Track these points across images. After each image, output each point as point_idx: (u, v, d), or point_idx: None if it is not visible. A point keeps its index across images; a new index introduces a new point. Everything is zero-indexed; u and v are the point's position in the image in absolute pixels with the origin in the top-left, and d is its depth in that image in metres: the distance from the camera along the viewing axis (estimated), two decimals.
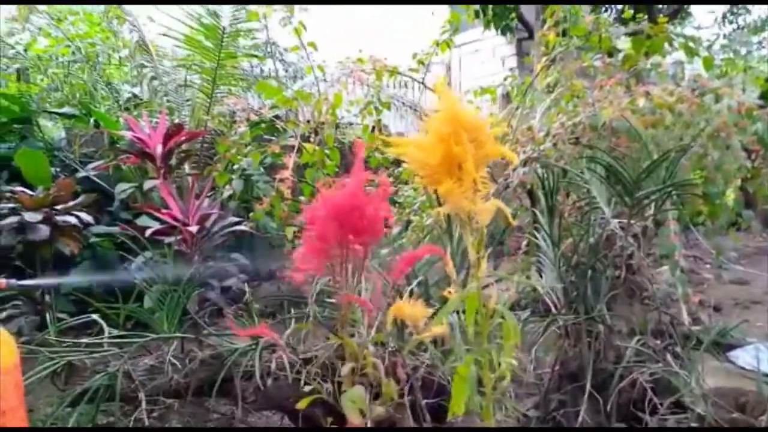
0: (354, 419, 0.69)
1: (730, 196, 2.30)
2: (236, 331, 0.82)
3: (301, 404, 0.78)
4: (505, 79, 2.71)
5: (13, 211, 2.24)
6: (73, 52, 3.83)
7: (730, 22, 7.44)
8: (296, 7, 2.31)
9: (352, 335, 0.92)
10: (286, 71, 4.14)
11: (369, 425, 0.76)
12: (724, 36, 7.57)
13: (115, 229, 2.78)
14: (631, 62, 2.29)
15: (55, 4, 3.90)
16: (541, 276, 1.91)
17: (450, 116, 0.63)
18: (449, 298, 0.69)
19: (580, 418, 1.61)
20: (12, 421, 0.72)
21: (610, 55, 2.38)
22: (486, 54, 3.86)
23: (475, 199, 0.65)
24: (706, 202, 2.22)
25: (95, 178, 3.20)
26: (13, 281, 0.83)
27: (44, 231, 2.22)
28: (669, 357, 1.62)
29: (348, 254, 0.71)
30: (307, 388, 0.78)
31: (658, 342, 1.77)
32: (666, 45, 2.41)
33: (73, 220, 2.30)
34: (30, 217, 2.18)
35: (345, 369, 0.71)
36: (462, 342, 0.75)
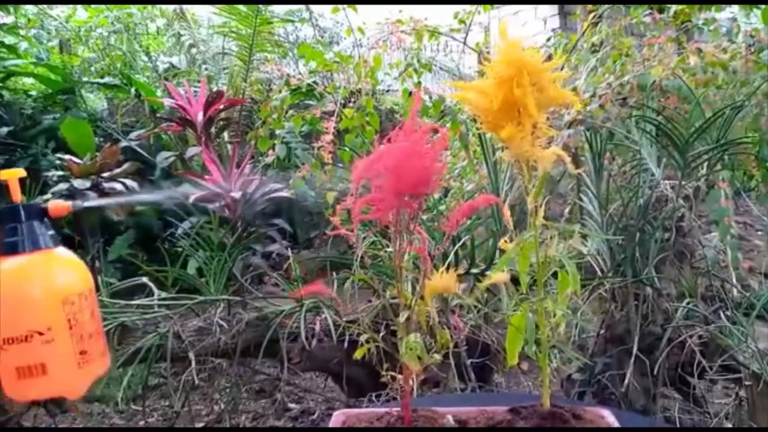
0: (412, 366, 0.69)
1: None
2: (298, 291, 0.83)
3: (358, 353, 0.78)
4: (548, 39, 2.63)
5: (63, 179, 2.31)
6: (112, 23, 3.87)
7: None
8: None
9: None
10: (322, 37, 4.11)
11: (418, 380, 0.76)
12: None
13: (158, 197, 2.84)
14: (684, 17, 2.19)
15: (60, 4, 3.90)
16: (585, 241, 1.88)
17: (511, 59, 0.61)
18: (506, 248, 0.68)
19: (626, 381, 1.59)
20: (94, 346, 0.72)
21: (661, 11, 2.28)
22: (527, 15, 3.75)
23: (536, 144, 0.64)
24: (759, 165, 2.14)
25: (137, 147, 3.26)
26: (78, 202, 0.83)
27: (92, 197, 2.28)
28: (720, 319, 1.59)
29: (402, 206, 0.71)
30: (363, 338, 0.78)
31: (708, 306, 1.73)
32: None
33: (119, 186, 2.35)
34: (79, 184, 2.24)
35: (401, 317, 0.71)
36: (511, 295, 0.74)
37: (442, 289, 0.74)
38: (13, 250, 0.71)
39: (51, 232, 0.74)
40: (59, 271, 0.73)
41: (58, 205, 0.76)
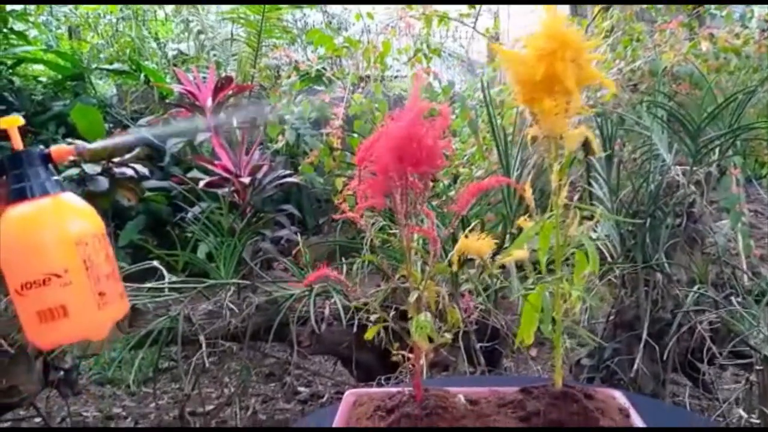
0: (423, 345, 0.69)
1: None
2: (309, 276, 0.82)
3: (368, 334, 0.79)
4: None
5: (74, 164, 2.32)
6: (121, 9, 3.87)
7: None
8: None
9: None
10: (330, 23, 4.10)
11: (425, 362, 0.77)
12: None
13: (167, 183, 2.85)
14: (696, 3, 2.17)
15: (60, 4, 3.89)
16: (596, 227, 1.87)
17: (554, 33, 0.60)
18: (524, 227, 0.68)
19: (635, 366, 1.60)
20: (112, 288, 0.72)
21: None
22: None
23: (567, 122, 0.64)
24: None
25: (146, 133, 3.26)
26: (81, 144, 0.82)
27: (103, 182, 2.30)
28: (730, 305, 1.58)
29: (408, 186, 0.71)
30: (373, 317, 0.79)
31: (719, 292, 1.73)
32: None
33: (130, 172, 2.36)
34: (90, 168, 2.25)
35: (411, 297, 0.71)
36: (528, 275, 0.74)
37: (475, 250, 0.73)
38: (20, 196, 0.70)
39: (56, 177, 0.73)
40: (69, 214, 0.72)
41: (61, 150, 0.74)
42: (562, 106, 0.61)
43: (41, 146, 0.75)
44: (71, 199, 0.74)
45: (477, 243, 0.73)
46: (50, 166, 0.73)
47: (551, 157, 0.64)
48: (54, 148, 0.74)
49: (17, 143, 0.72)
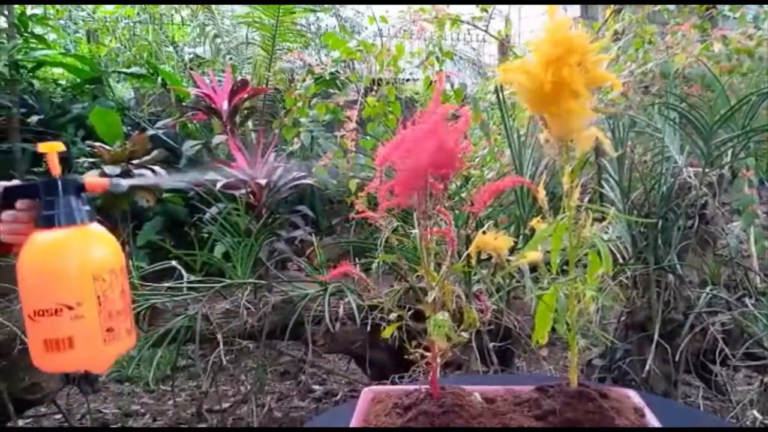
0: (440, 343, 0.71)
1: None
2: (332, 272, 0.84)
3: (386, 332, 0.81)
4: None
5: (93, 166, 2.37)
6: (138, 14, 3.94)
7: None
8: None
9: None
10: (343, 26, 4.13)
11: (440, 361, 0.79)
12: None
13: (184, 185, 2.90)
14: (708, 5, 2.17)
15: (63, 4, 3.94)
16: (607, 228, 1.89)
17: (559, 38, 0.62)
18: (538, 228, 0.70)
19: (647, 367, 1.61)
20: (121, 324, 0.73)
21: None
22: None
23: (577, 126, 0.65)
24: None
25: (163, 136, 3.32)
26: (116, 180, 0.83)
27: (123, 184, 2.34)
28: (743, 307, 1.59)
29: (427, 188, 0.73)
30: (392, 316, 0.81)
31: (731, 294, 1.73)
32: None
33: (148, 173, 2.41)
34: (109, 170, 2.30)
35: (429, 297, 0.74)
36: (542, 275, 0.76)
37: (492, 247, 0.74)
38: (49, 223, 0.72)
39: (87, 207, 0.74)
40: (92, 247, 0.73)
41: (95, 182, 0.76)
42: (573, 110, 0.62)
43: (77, 175, 0.76)
44: (97, 231, 0.75)
45: (495, 240, 0.74)
46: (83, 194, 0.74)
47: (563, 159, 0.66)
48: (89, 180, 0.76)
49: (55, 168, 0.74)
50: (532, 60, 0.62)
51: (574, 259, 0.68)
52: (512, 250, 0.78)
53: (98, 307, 0.71)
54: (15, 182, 0.77)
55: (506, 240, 0.73)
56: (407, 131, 0.74)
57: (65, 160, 2.82)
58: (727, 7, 2.30)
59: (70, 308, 0.69)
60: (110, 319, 0.72)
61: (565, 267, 0.72)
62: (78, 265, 0.71)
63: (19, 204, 0.75)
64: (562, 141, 0.65)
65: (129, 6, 4.02)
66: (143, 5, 4.05)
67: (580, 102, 0.62)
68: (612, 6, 2.41)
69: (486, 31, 2.15)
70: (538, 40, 0.62)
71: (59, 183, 0.73)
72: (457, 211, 1.93)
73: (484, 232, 0.77)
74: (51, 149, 0.74)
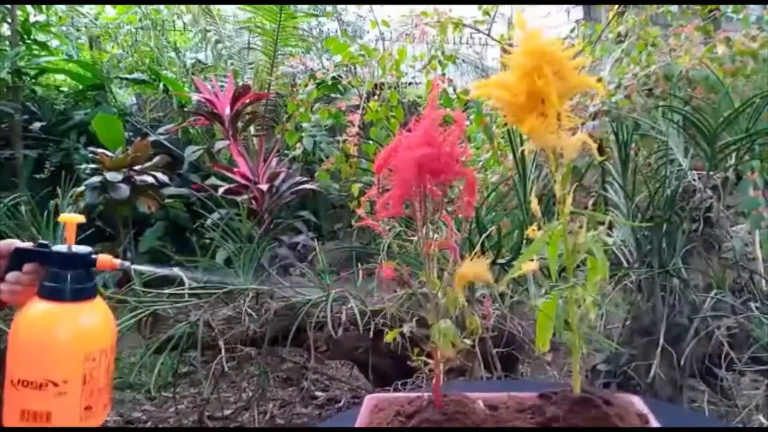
0: (445, 350, 0.70)
1: None
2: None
3: (389, 336, 0.80)
4: (572, 30, 2.61)
5: (95, 172, 2.37)
6: (140, 19, 3.95)
7: None
8: None
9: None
10: (345, 31, 4.13)
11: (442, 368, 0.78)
12: None
13: (186, 190, 2.90)
14: (712, 6, 2.16)
15: (61, 3, 3.96)
16: (611, 231, 1.87)
17: (532, 49, 0.61)
18: (534, 237, 0.69)
19: (652, 372, 1.59)
20: (99, 401, 0.72)
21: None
22: (549, 6, 3.73)
23: (561, 133, 0.64)
24: None
25: (165, 142, 3.32)
26: (126, 263, 0.82)
27: (125, 190, 2.34)
28: (748, 310, 1.57)
29: (426, 194, 0.72)
30: (405, 328, 0.80)
31: (736, 298, 1.72)
32: None
33: (150, 179, 2.41)
34: (111, 176, 2.30)
35: (431, 304, 0.73)
36: (541, 283, 0.75)
37: (473, 277, 0.74)
38: (51, 296, 0.71)
39: (92, 283, 0.74)
40: (89, 327, 0.73)
41: (106, 261, 0.75)
42: (552, 119, 0.61)
43: (90, 249, 0.74)
44: (96, 309, 0.74)
45: (474, 268, 0.73)
46: (92, 269, 0.74)
47: (552, 167, 0.65)
48: (101, 259, 0.75)
49: (71, 238, 0.74)
50: (507, 73, 0.62)
51: (572, 265, 0.67)
52: (517, 254, 0.77)
53: (83, 386, 0.70)
54: (28, 244, 0.76)
55: (484, 266, 0.72)
56: (402, 137, 0.74)
57: (68, 166, 2.82)
58: (730, 8, 2.29)
59: (56, 385, 0.69)
60: (91, 397, 0.71)
61: (565, 273, 0.71)
62: (72, 344, 0.70)
63: (25, 268, 0.74)
64: (548, 150, 0.64)
65: (131, 12, 4.03)
66: (145, 12, 4.06)
67: (554, 111, 0.61)
68: (615, 7, 2.40)
69: (488, 35, 2.14)
70: (513, 52, 0.61)
71: (70, 256, 0.72)
72: (459, 215, 1.93)
73: (483, 243, 0.76)
74: (71, 221, 0.74)
